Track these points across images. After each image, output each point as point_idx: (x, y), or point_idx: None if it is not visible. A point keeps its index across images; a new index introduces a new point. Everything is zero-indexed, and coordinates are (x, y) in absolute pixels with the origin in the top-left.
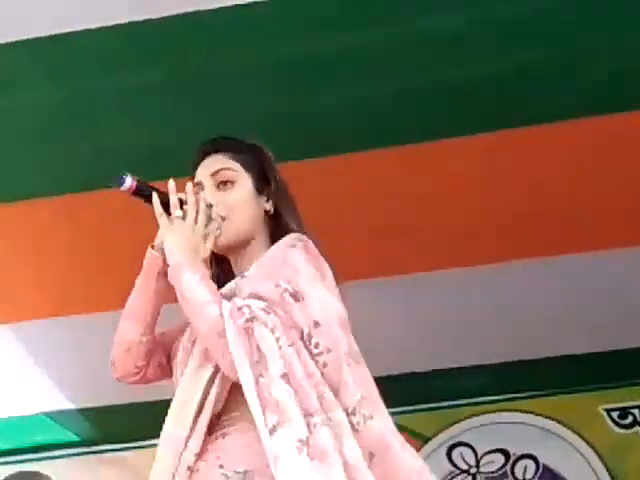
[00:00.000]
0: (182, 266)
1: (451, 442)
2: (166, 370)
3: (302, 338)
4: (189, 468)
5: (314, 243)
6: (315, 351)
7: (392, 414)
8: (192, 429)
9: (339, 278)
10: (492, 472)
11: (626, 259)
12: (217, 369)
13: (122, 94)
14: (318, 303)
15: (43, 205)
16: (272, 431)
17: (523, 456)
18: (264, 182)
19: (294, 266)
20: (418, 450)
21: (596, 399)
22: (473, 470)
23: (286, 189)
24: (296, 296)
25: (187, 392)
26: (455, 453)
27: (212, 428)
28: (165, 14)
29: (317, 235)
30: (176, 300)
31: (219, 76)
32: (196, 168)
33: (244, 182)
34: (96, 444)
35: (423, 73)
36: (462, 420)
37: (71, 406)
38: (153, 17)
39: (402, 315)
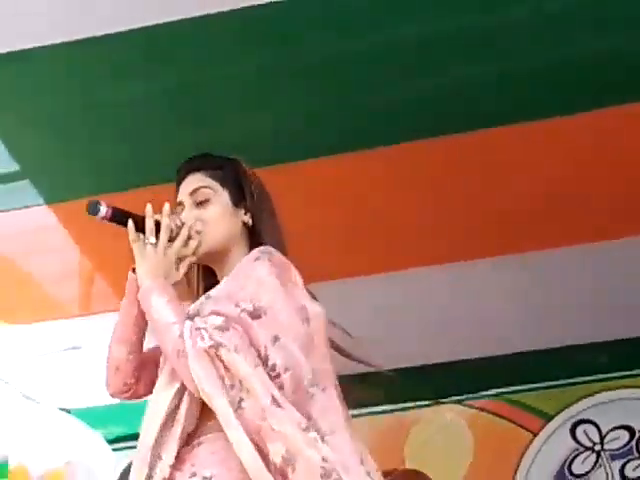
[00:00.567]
0: (150, 290)
1: (574, 420)
2: None
3: (259, 356)
4: (164, 479)
5: (282, 253)
6: (272, 374)
7: (514, 392)
8: (160, 441)
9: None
10: (617, 449)
11: None
12: (184, 386)
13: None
14: (279, 317)
15: None
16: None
17: None
18: (241, 196)
19: (257, 279)
20: (541, 428)
21: None
22: (597, 447)
23: (265, 201)
24: (256, 313)
25: (155, 406)
26: (579, 430)
27: (191, 438)
28: None
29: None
30: None
31: (347, 60)
32: (178, 187)
33: (220, 198)
34: None
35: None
36: (585, 397)
37: None
38: None
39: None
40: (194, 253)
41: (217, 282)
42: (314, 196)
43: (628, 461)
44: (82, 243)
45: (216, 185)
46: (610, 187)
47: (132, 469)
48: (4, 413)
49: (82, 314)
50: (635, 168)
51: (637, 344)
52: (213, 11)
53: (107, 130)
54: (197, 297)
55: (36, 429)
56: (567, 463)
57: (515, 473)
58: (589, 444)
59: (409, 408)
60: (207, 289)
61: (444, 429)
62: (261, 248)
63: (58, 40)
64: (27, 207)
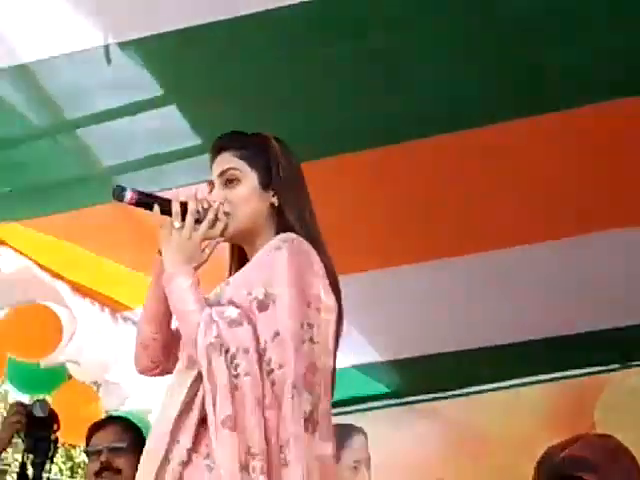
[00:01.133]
0: (172, 277)
1: None
2: None
3: (257, 350)
4: (182, 462)
5: (312, 240)
6: (267, 368)
7: None
8: (178, 427)
9: None
10: None
11: None
12: (201, 373)
13: None
14: (286, 312)
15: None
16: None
17: None
18: (270, 177)
19: (274, 268)
20: None
21: None
22: None
23: (294, 182)
24: (265, 303)
25: (173, 391)
26: None
27: (205, 420)
28: None
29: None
30: None
31: None
32: (212, 165)
33: (248, 180)
34: (407, 395)
35: None
36: None
37: (381, 359)
38: None
39: None
40: (222, 234)
41: (248, 262)
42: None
43: None
44: None
45: (244, 166)
46: None
47: (145, 452)
48: None
49: None
50: None
51: None
52: None
53: (289, 100)
54: (230, 275)
55: None
56: None
57: None
58: None
59: (597, 372)
60: (240, 268)
61: (633, 393)
62: (283, 236)
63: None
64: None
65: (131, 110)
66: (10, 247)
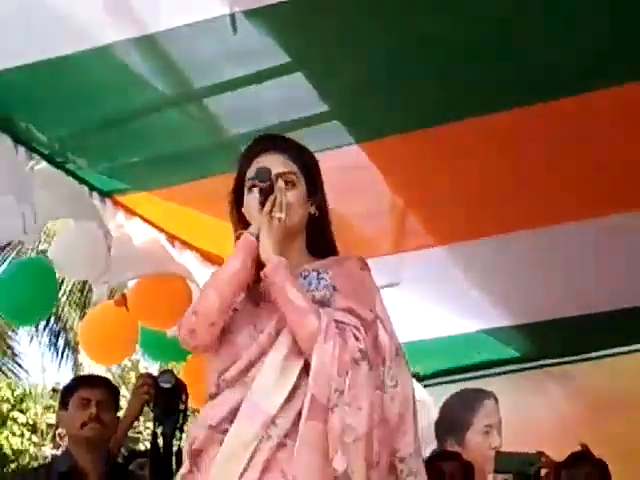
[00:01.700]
0: (279, 267)
1: None
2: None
3: (383, 364)
4: (279, 444)
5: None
6: (390, 384)
7: None
8: (280, 412)
9: None
10: None
11: None
12: (307, 366)
13: None
14: (389, 328)
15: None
16: None
17: None
18: (313, 187)
19: (372, 291)
20: None
21: None
22: None
23: (326, 200)
24: (377, 320)
25: (277, 374)
26: None
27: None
28: None
29: None
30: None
31: None
32: (251, 159)
33: (300, 186)
34: (536, 359)
35: None
36: None
37: (509, 323)
38: None
39: None
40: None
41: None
42: None
43: None
44: (392, 181)
45: (298, 172)
46: None
47: (238, 424)
48: None
49: (396, 251)
50: None
51: None
52: None
53: (416, 66)
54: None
55: None
56: None
57: None
58: None
59: None
60: None
61: None
62: (357, 256)
63: None
64: (338, 147)
65: (258, 79)
66: (140, 217)
